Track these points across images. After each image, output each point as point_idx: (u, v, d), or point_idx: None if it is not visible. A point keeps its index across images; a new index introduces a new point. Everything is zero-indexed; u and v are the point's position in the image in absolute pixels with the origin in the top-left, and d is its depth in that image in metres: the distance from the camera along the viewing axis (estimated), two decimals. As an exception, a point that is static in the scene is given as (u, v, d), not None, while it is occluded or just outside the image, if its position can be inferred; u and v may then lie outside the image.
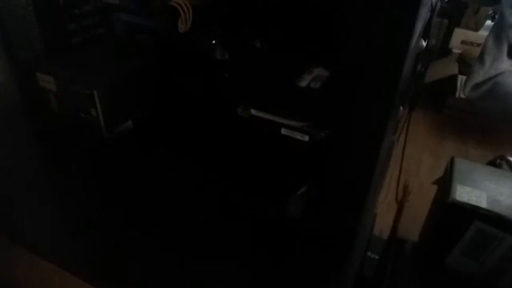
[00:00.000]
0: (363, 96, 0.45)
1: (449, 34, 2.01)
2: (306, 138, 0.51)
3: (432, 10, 0.84)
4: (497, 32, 1.23)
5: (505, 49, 1.23)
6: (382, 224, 1.22)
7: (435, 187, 0.90)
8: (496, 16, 1.38)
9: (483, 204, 0.68)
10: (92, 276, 0.57)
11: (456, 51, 2.04)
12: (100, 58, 0.80)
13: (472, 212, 0.68)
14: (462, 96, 1.69)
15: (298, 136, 0.51)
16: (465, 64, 1.90)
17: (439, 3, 1.07)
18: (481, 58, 1.28)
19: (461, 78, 1.89)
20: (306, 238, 0.59)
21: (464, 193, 0.71)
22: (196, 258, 0.55)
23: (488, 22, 1.97)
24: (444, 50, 2.06)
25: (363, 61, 0.44)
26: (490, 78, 1.26)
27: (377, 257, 1.17)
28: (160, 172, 0.72)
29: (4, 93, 0.85)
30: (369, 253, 1.14)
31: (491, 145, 1.77)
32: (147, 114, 0.80)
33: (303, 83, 0.51)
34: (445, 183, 0.76)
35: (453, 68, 1.99)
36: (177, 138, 0.72)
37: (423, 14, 0.53)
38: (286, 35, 0.55)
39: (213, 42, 0.70)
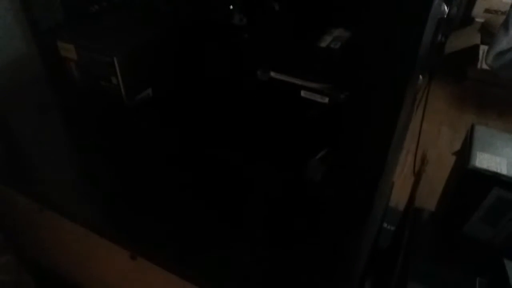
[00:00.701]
0: (384, 58, 0.45)
1: (472, 1, 1.94)
2: (326, 100, 0.51)
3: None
4: (524, -2, 1.18)
5: (531, 15, 1.18)
6: (398, 196, 1.22)
7: (453, 158, 0.89)
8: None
9: (503, 170, 0.68)
10: (114, 235, 0.59)
11: (479, 20, 1.97)
12: (119, 26, 0.80)
13: (492, 178, 0.67)
14: (484, 67, 1.65)
15: (317, 98, 0.51)
16: (488, 33, 1.83)
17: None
18: (505, 25, 1.23)
19: (483, 49, 1.83)
20: (324, 204, 0.59)
21: (484, 160, 0.70)
22: (215, 223, 0.57)
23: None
24: (466, 19, 1.99)
25: (385, 22, 0.44)
26: (514, 47, 1.23)
27: (393, 228, 1.18)
28: (179, 140, 0.73)
29: (27, 63, 0.87)
30: (385, 225, 1.14)
31: (510, 119, 1.74)
32: (166, 81, 0.80)
33: (323, 44, 0.50)
34: (464, 150, 0.76)
35: (475, 38, 1.93)
36: (196, 105, 0.73)
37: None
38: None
39: (231, 7, 0.70)
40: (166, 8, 0.77)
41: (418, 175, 1.17)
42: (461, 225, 0.75)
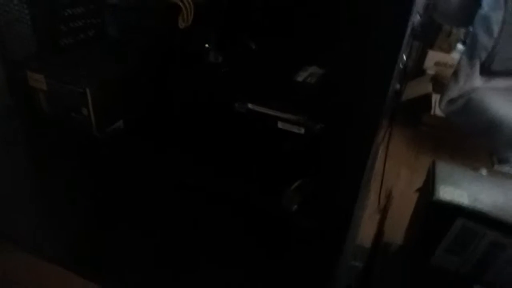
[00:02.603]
0: (359, 92, 0.48)
1: (423, 55, 2.12)
2: (302, 131, 0.53)
3: (413, 31, 0.90)
4: (471, 52, 1.31)
5: (477, 67, 1.30)
6: (363, 234, 1.24)
7: (414, 196, 0.93)
8: (467, 41, 1.48)
9: (465, 202, 0.72)
10: (88, 273, 0.56)
11: (430, 72, 2.14)
12: (92, 58, 0.80)
13: (455, 209, 0.71)
14: (438, 113, 1.77)
15: (294, 129, 0.53)
16: (439, 83, 1.99)
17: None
18: (455, 75, 1.35)
19: (435, 97, 1.98)
20: (300, 232, 0.60)
21: (446, 193, 0.74)
22: (193, 251, 0.55)
23: (459, 46, 2.08)
24: (418, 70, 2.16)
25: (357, 65, 0.47)
26: (464, 94, 1.34)
27: (361, 265, 1.18)
28: (153, 170, 0.72)
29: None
30: (352, 262, 1.15)
31: (463, 159, 1.85)
32: (138, 114, 0.80)
33: (299, 78, 0.53)
34: (428, 184, 0.80)
35: (428, 87, 2.09)
36: (170, 137, 0.72)
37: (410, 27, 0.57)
38: (281, 36, 0.58)
39: (207, 46, 0.72)
40: (140, 42, 0.78)
41: (385, 211, 1.21)
42: (429, 257, 0.78)
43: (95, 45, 0.84)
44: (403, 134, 2.11)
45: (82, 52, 0.82)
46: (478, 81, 1.33)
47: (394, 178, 1.76)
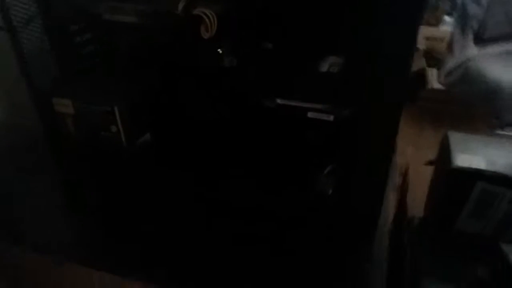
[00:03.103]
0: (381, 74, 0.52)
1: (413, 32, 2.16)
2: (331, 118, 0.57)
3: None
4: (462, 23, 1.35)
5: (471, 37, 1.35)
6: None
7: (425, 171, 0.97)
8: (456, 12, 1.52)
9: (482, 166, 0.76)
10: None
11: (421, 47, 2.19)
12: (114, 77, 0.84)
13: (474, 174, 0.75)
14: (434, 87, 1.82)
15: (323, 117, 0.57)
16: (432, 58, 2.03)
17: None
18: (450, 48, 1.40)
19: (429, 71, 2.03)
20: (335, 215, 0.64)
21: (463, 160, 0.78)
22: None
23: (447, 18, 2.13)
24: (410, 47, 2.20)
25: (378, 42, 0.51)
26: (461, 65, 1.38)
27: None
28: (184, 178, 0.76)
29: (19, 122, 0.88)
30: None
31: (466, 130, 1.90)
32: (165, 125, 0.84)
33: (322, 69, 0.57)
34: (444, 155, 0.84)
35: (421, 63, 2.13)
36: (199, 143, 0.76)
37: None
38: (295, 31, 0.62)
39: (219, 51, 0.76)
40: (158, 57, 0.82)
41: (403, 188, 1.25)
42: (452, 224, 0.82)
43: (115, 63, 0.87)
44: (403, 112, 2.17)
45: (102, 72, 0.86)
46: (473, 50, 1.38)
47: (400, 157, 1.81)
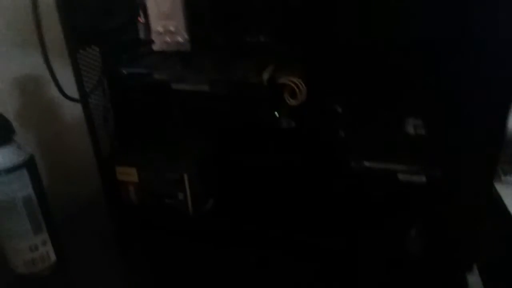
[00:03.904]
0: (472, 136, 0.53)
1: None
2: (423, 179, 0.57)
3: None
4: None
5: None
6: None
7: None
8: None
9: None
10: None
11: None
12: (179, 143, 0.84)
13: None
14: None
15: (415, 178, 0.57)
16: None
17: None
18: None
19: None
20: (424, 275, 0.62)
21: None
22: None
23: None
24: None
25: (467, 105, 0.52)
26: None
27: None
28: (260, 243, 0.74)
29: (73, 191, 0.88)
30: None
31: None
32: (229, 190, 0.83)
33: (409, 130, 0.58)
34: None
35: None
36: (271, 208, 0.76)
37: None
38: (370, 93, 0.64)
39: (276, 114, 0.78)
40: (220, 122, 0.83)
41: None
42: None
43: (180, 129, 0.88)
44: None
45: (167, 138, 0.86)
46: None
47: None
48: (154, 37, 0.66)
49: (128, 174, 0.82)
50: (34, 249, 0.71)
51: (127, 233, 0.84)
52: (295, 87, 0.59)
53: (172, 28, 0.63)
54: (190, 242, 0.79)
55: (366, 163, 0.59)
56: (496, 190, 0.77)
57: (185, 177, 0.76)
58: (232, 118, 0.79)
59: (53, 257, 0.74)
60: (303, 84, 0.58)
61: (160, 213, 0.82)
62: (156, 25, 0.64)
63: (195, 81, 0.72)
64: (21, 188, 0.68)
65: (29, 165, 0.69)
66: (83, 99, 0.72)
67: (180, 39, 0.63)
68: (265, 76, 0.62)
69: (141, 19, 0.76)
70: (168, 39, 0.65)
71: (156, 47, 0.67)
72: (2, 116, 0.66)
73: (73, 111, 0.89)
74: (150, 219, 0.83)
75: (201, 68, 0.73)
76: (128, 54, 0.79)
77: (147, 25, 0.77)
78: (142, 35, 0.78)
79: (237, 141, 0.81)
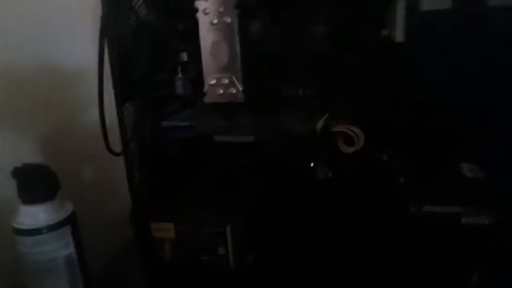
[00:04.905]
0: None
1: None
2: (486, 221, 0.57)
3: None
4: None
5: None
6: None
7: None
8: None
9: None
10: None
11: None
12: (217, 195, 0.82)
13: None
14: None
15: (479, 221, 0.58)
16: None
17: None
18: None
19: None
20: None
21: None
22: None
23: None
24: None
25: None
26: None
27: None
28: None
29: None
30: None
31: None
32: (270, 243, 0.81)
33: (468, 174, 0.59)
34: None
35: None
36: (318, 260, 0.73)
37: None
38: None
39: (312, 164, 0.79)
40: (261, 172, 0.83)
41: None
42: None
43: (217, 180, 0.86)
44: None
45: (204, 191, 0.84)
46: None
47: None
48: (206, 89, 0.67)
49: (165, 230, 0.79)
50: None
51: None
52: (353, 135, 0.60)
53: (226, 81, 0.64)
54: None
55: (426, 208, 0.60)
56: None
57: (228, 230, 0.74)
58: (273, 170, 0.79)
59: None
60: (361, 132, 0.60)
61: (197, 270, 0.78)
62: (210, 78, 0.66)
63: (241, 133, 0.72)
64: (63, 246, 0.64)
65: (72, 221, 0.66)
66: (127, 153, 0.71)
67: (234, 90, 0.65)
68: (320, 124, 0.63)
69: (180, 75, 0.79)
70: (221, 91, 0.66)
71: (208, 99, 0.68)
72: (49, 170, 0.64)
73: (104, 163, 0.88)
74: (186, 277, 0.79)
75: (245, 120, 0.74)
76: (167, 109, 0.80)
77: (186, 81, 0.79)
78: (180, 90, 0.80)
79: (279, 193, 0.80)
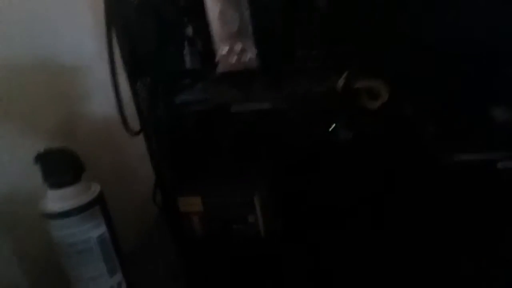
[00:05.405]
0: None
1: None
2: (523, 164, 0.55)
3: None
4: None
5: None
6: None
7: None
8: None
9: None
10: None
11: None
12: (241, 165, 0.81)
13: None
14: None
15: (512, 164, 0.55)
16: None
17: None
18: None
19: None
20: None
21: None
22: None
23: None
24: None
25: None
26: None
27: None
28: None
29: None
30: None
31: None
32: (298, 208, 0.80)
33: (499, 118, 0.57)
34: None
35: None
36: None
37: None
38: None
39: (333, 125, 0.77)
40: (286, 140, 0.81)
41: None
42: None
43: (241, 151, 0.85)
44: None
45: (228, 163, 0.82)
46: None
47: None
48: (219, 59, 0.65)
49: (192, 204, 0.79)
50: (111, 292, 0.67)
51: (196, 265, 0.80)
52: (378, 88, 0.58)
53: (240, 47, 0.62)
54: (264, 267, 0.76)
55: (459, 157, 0.57)
56: None
57: (256, 198, 0.74)
58: (295, 135, 0.78)
59: (129, 298, 0.70)
60: (385, 85, 0.58)
61: (228, 241, 0.79)
62: (222, 47, 0.64)
63: (257, 100, 0.71)
64: (95, 227, 0.65)
65: (101, 201, 0.66)
66: (146, 131, 0.70)
67: (248, 56, 0.63)
68: (341, 82, 0.61)
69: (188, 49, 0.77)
70: (234, 59, 0.64)
71: (221, 69, 0.66)
72: (71, 152, 0.64)
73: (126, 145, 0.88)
74: (218, 248, 0.80)
75: (260, 87, 0.72)
76: (180, 84, 0.79)
77: (195, 54, 0.77)
78: (189, 65, 0.78)
79: (301, 158, 0.79)
